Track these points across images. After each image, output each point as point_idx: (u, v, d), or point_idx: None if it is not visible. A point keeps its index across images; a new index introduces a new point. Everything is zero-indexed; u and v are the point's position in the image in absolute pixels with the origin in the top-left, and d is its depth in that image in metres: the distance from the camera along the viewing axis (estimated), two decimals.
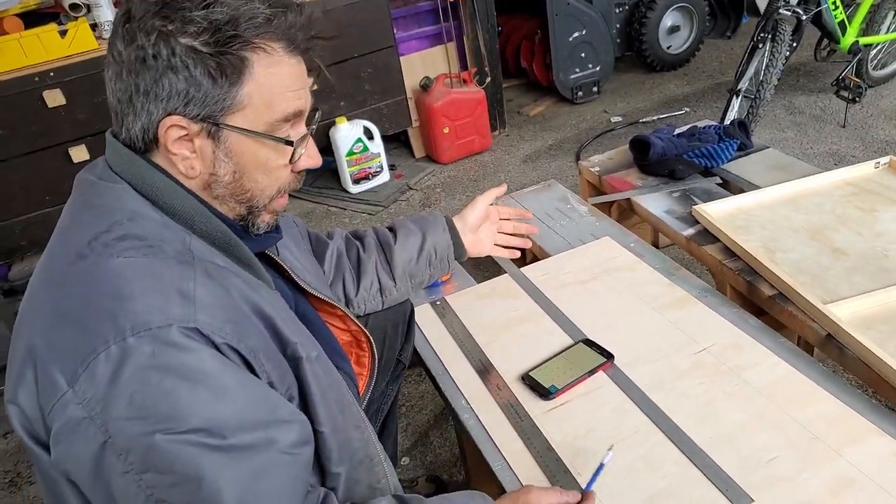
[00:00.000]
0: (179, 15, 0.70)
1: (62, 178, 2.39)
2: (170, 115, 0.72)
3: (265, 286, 0.80)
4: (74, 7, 2.44)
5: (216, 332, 0.67)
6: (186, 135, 0.74)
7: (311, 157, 0.82)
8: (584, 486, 0.95)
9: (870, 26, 2.90)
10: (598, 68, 3.49)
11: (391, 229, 1.24)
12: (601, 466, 0.97)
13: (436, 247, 1.22)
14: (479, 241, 1.30)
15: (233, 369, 0.68)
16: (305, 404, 0.78)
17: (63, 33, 2.28)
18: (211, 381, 0.66)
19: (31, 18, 2.45)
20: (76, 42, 2.30)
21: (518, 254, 1.36)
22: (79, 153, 2.38)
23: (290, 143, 0.78)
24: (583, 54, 3.42)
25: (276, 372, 0.74)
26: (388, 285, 1.20)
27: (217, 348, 0.67)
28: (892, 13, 2.93)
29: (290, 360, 0.77)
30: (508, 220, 1.35)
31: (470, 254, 1.28)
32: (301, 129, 0.81)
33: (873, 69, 3.07)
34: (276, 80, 0.75)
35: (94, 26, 2.39)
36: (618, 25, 3.66)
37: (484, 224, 1.31)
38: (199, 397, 0.65)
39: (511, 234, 1.35)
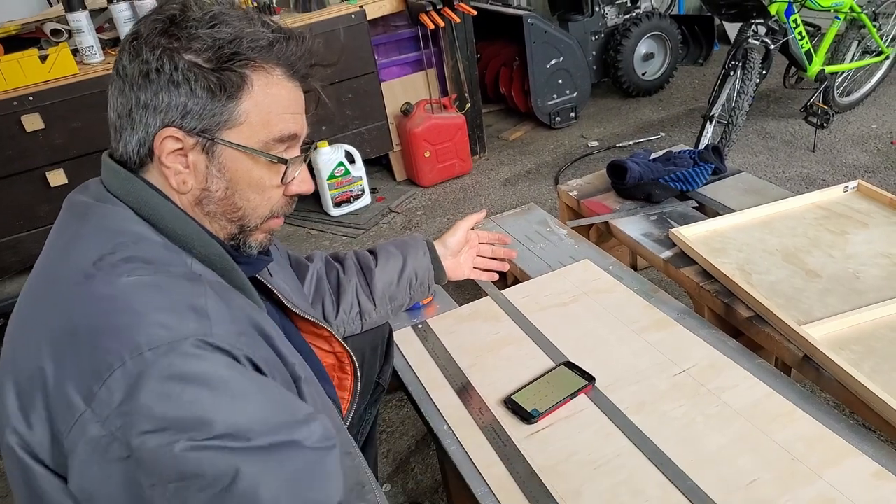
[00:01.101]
0: (185, 33, 0.72)
1: (37, 203, 2.37)
2: (167, 126, 0.73)
3: (258, 309, 0.81)
4: (56, 32, 2.43)
5: (233, 345, 0.67)
6: (181, 148, 0.74)
7: (303, 182, 0.83)
8: None
9: (835, 55, 2.99)
10: (575, 94, 3.54)
11: (372, 252, 1.24)
12: None
13: (416, 270, 1.23)
14: (459, 266, 1.31)
15: (249, 375, 0.68)
16: None
17: (43, 58, 2.27)
18: (231, 386, 0.65)
19: (12, 43, 2.44)
20: (56, 67, 2.29)
21: (496, 276, 1.38)
22: (56, 177, 2.36)
23: (283, 161, 0.79)
24: (560, 81, 3.47)
25: (286, 385, 0.74)
26: (368, 308, 1.20)
27: (234, 358, 0.67)
28: (855, 43, 3.03)
29: (293, 378, 0.77)
30: (488, 244, 1.36)
31: (450, 277, 1.29)
32: (295, 153, 0.82)
33: (839, 96, 3.16)
34: (274, 101, 0.76)
35: (75, 52, 2.38)
36: (594, 53, 3.73)
37: (464, 249, 1.32)
38: (221, 403, 0.64)
39: (490, 258, 1.36)
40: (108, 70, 2.28)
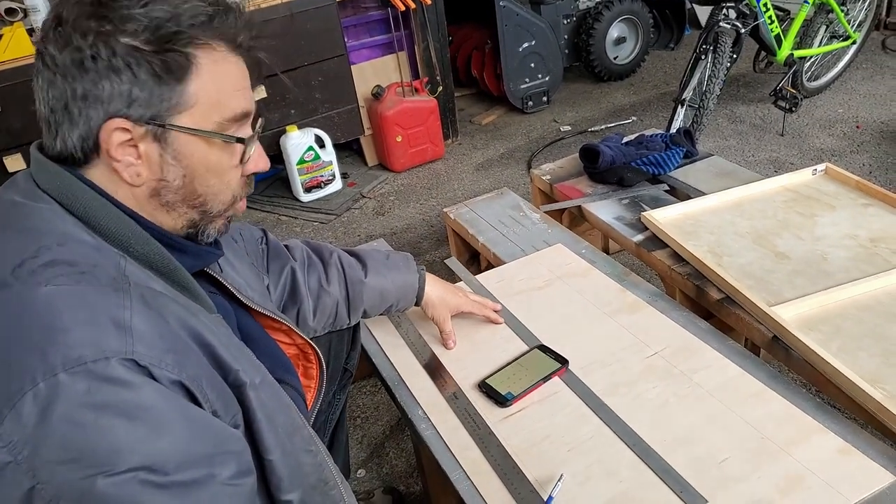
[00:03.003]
0: (117, 14, 0.67)
1: None
2: (112, 118, 0.68)
3: (204, 310, 0.76)
4: (10, 11, 2.35)
5: (155, 364, 0.63)
6: (131, 139, 0.70)
7: (260, 159, 0.80)
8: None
9: (804, 40, 3.02)
10: (547, 78, 3.54)
11: (360, 261, 1.19)
12: (550, 499, 0.94)
13: (400, 301, 1.22)
14: (437, 309, 1.27)
15: (174, 401, 0.64)
16: (251, 432, 0.74)
17: None
18: (151, 415, 0.61)
19: None
20: (11, 48, 2.20)
21: (451, 346, 1.30)
22: (14, 163, 2.28)
23: (240, 140, 0.75)
24: (532, 64, 3.46)
25: (221, 401, 0.70)
26: (343, 320, 1.18)
27: (157, 380, 0.63)
28: (823, 27, 3.07)
29: (232, 387, 0.73)
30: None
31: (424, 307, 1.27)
32: (248, 130, 0.78)
33: (808, 80, 3.20)
34: (224, 79, 0.72)
35: (30, 31, 2.30)
36: (566, 36, 3.73)
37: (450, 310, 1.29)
38: (138, 434, 0.60)
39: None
40: None
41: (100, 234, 0.70)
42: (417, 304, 1.25)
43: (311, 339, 1.03)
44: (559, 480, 0.96)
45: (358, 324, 1.24)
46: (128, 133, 0.69)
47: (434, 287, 1.26)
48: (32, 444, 0.58)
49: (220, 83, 0.72)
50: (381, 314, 1.25)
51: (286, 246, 1.15)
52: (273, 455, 0.76)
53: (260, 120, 0.81)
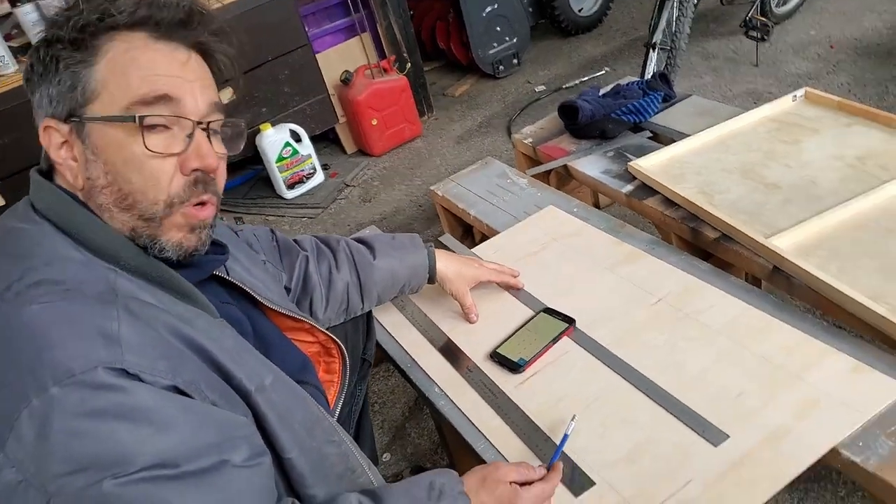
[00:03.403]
0: (50, 21, 0.72)
1: None
2: (44, 118, 0.72)
3: (205, 315, 0.76)
4: None
5: (146, 372, 0.63)
6: (66, 141, 0.72)
7: (201, 156, 0.74)
8: (551, 460, 0.92)
9: None
10: (514, 40, 3.50)
11: (367, 245, 1.19)
12: (565, 437, 0.95)
13: (411, 280, 1.21)
14: (454, 283, 1.26)
15: (170, 398, 0.64)
16: (265, 434, 0.75)
17: None
18: (152, 415, 0.62)
19: None
20: None
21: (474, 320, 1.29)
22: None
23: (134, 118, 0.70)
24: (498, 28, 3.42)
25: (224, 400, 0.70)
26: (357, 306, 1.18)
27: (149, 385, 0.63)
28: None
29: (237, 391, 0.73)
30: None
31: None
32: (183, 121, 0.73)
33: (776, 7, 3.18)
34: (135, 63, 0.71)
35: None
36: None
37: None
38: (142, 434, 0.61)
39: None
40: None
41: (89, 249, 0.71)
42: (431, 281, 1.24)
43: (331, 333, 1.03)
44: (572, 420, 0.97)
45: (371, 313, 1.24)
46: (57, 133, 0.72)
47: (448, 262, 1.24)
48: (36, 460, 0.59)
49: (127, 68, 0.71)
50: (395, 297, 1.24)
51: (295, 240, 1.16)
52: (291, 453, 0.77)
53: (217, 115, 0.77)
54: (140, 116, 0.70)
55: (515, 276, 1.32)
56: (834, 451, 0.89)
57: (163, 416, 0.63)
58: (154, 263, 0.73)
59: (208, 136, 0.76)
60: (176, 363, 0.67)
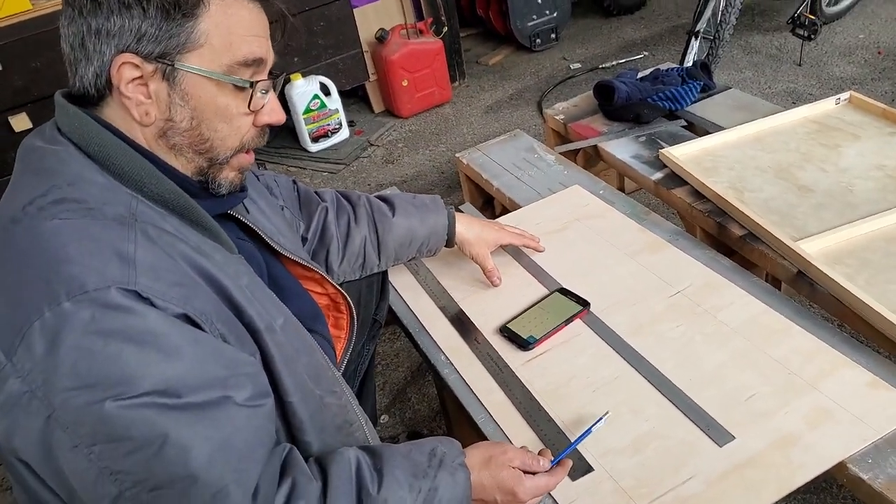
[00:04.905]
0: None
1: (2, 150, 2.27)
2: (122, 53, 0.69)
3: (223, 250, 0.76)
4: None
5: (158, 296, 0.64)
6: (141, 77, 0.70)
7: (273, 112, 0.79)
8: (562, 453, 0.90)
9: None
10: (555, 14, 3.42)
11: (387, 202, 1.18)
12: (587, 432, 0.92)
13: (430, 238, 1.20)
14: (474, 247, 1.25)
15: (180, 326, 0.65)
16: (270, 374, 0.75)
17: None
18: (161, 341, 0.63)
19: None
20: (8, 4, 2.16)
21: (497, 283, 1.28)
22: (20, 122, 2.26)
23: (250, 85, 0.74)
24: (539, 1, 3.35)
25: (234, 336, 0.71)
26: (373, 262, 1.17)
27: (159, 310, 0.64)
28: None
29: (248, 328, 0.74)
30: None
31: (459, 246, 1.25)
32: (263, 79, 0.77)
33: (827, 6, 3.08)
34: (236, 21, 0.72)
35: None
36: None
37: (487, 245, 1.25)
38: (149, 358, 0.62)
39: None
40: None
41: (113, 174, 0.71)
42: (450, 244, 1.23)
43: (341, 288, 1.02)
44: (603, 417, 0.94)
45: (386, 274, 1.23)
46: (137, 70, 0.70)
47: (469, 226, 1.23)
48: (44, 372, 0.60)
49: (231, 26, 0.71)
50: (413, 257, 1.23)
51: (316, 192, 1.16)
52: (293, 397, 0.77)
53: (283, 75, 0.80)
54: (247, 81, 0.74)
55: (536, 241, 1.30)
56: (841, 465, 0.88)
57: (170, 343, 0.63)
58: (175, 191, 0.73)
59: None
60: (189, 292, 0.67)
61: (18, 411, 0.61)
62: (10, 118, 2.25)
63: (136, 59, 0.69)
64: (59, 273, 0.62)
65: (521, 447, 0.89)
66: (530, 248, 1.30)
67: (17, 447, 0.64)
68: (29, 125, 2.26)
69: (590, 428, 0.93)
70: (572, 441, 0.93)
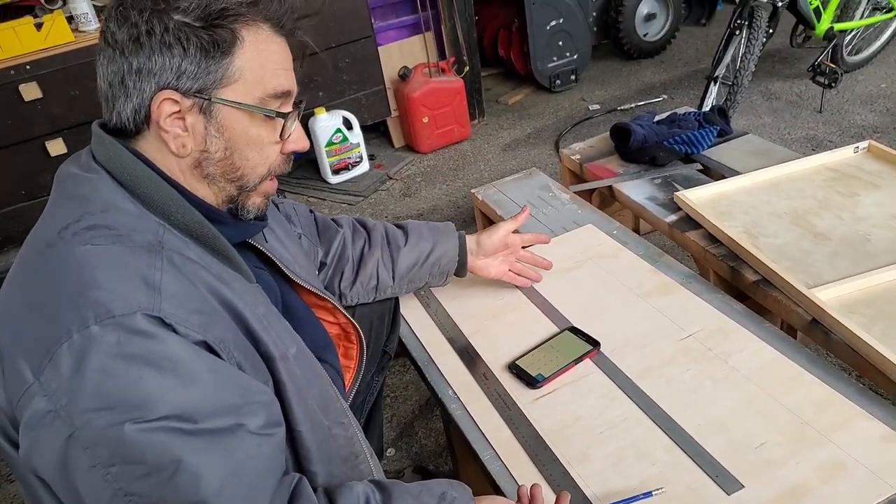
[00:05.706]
0: None
1: (38, 172, 2.34)
2: (162, 90, 0.72)
3: (242, 279, 0.78)
4: (50, 0, 2.37)
5: (181, 323, 0.66)
6: (179, 111, 0.73)
7: (300, 139, 0.83)
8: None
9: (844, 12, 2.92)
10: (575, 56, 3.48)
11: (402, 228, 1.23)
12: (634, 500, 0.90)
13: (441, 259, 1.22)
14: (489, 266, 1.29)
15: (199, 354, 0.67)
16: (281, 403, 0.76)
17: (39, 26, 2.22)
18: (179, 367, 0.64)
19: (7, 11, 2.38)
20: (52, 35, 2.24)
21: (529, 283, 1.34)
22: (56, 147, 2.32)
23: (281, 115, 0.78)
24: (560, 42, 3.40)
25: (249, 364, 0.72)
26: (386, 284, 1.19)
27: (181, 336, 0.66)
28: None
29: (263, 357, 0.75)
30: (528, 251, 1.33)
31: (476, 274, 1.29)
32: (289, 109, 0.80)
33: (848, 55, 3.10)
34: (267, 57, 0.76)
35: (70, 19, 2.33)
36: (594, 13, 3.65)
37: (503, 252, 1.29)
38: (168, 384, 0.63)
39: (526, 267, 1.34)
40: None
41: (143, 202, 0.74)
42: (462, 264, 1.25)
43: (350, 314, 1.04)
44: (655, 491, 0.90)
45: (398, 306, 1.24)
46: (176, 105, 0.73)
47: (476, 239, 1.27)
48: (69, 392, 0.62)
49: (263, 60, 0.75)
50: (426, 281, 1.24)
51: (333, 219, 1.20)
52: (302, 426, 0.78)
53: (302, 103, 0.83)
54: (277, 112, 0.78)
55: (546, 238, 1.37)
56: None
57: (189, 369, 0.65)
58: (201, 221, 0.75)
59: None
60: (209, 319, 0.69)
61: (41, 429, 0.63)
62: (46, 143, 2.31)
63: (176, 95, 0.72)
64: (88, 297, 0.64)
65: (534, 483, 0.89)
66: (538, 240, 1.35)
67: (36, 464, 0.65)
68: (64, 150, 2.32)
69: (636, 497, 0.91)
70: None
